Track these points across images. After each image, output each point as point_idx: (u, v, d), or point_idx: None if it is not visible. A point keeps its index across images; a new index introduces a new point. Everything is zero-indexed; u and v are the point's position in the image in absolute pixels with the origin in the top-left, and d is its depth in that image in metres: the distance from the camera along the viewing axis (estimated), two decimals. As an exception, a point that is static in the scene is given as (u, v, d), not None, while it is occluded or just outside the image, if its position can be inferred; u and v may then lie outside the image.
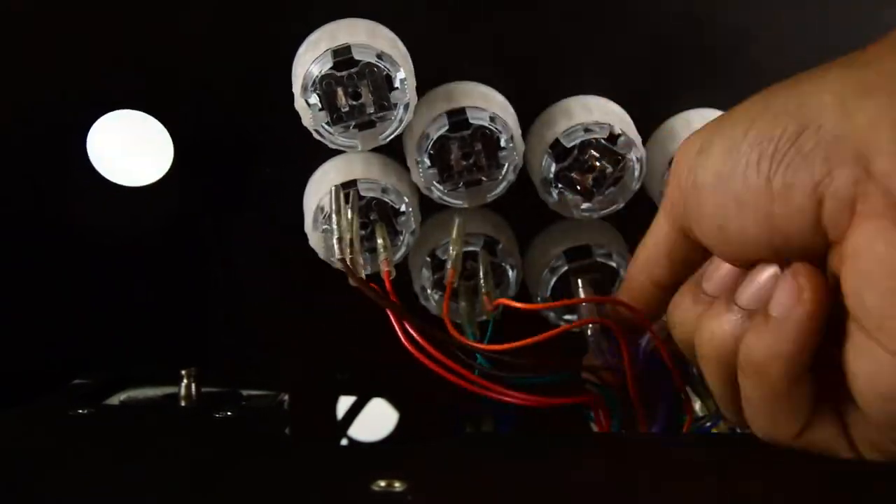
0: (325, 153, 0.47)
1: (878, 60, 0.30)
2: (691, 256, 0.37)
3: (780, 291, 0.32)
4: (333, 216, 0.42)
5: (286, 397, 0.50)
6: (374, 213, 0.46)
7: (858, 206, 0.29)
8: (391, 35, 0.45)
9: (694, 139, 0.35)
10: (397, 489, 0.32)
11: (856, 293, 0.30)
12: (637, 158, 0.46)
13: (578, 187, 0.47)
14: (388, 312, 0.39)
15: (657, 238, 0.38)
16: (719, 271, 0.36)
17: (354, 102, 0.44)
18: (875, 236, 0.29)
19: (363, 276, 0.41)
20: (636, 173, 0.46)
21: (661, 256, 0.38)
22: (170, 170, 0.48)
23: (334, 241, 0.42)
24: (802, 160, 0.30)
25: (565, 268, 0.48)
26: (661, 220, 0.38)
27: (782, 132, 0.31)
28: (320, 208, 0.45)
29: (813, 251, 0.32)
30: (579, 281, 0.47)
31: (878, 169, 0.29)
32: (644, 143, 0.47)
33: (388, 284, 0.41)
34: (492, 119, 0.45)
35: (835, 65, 0.31)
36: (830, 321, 0.32)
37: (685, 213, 0.35)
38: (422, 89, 0.45)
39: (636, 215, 0.47)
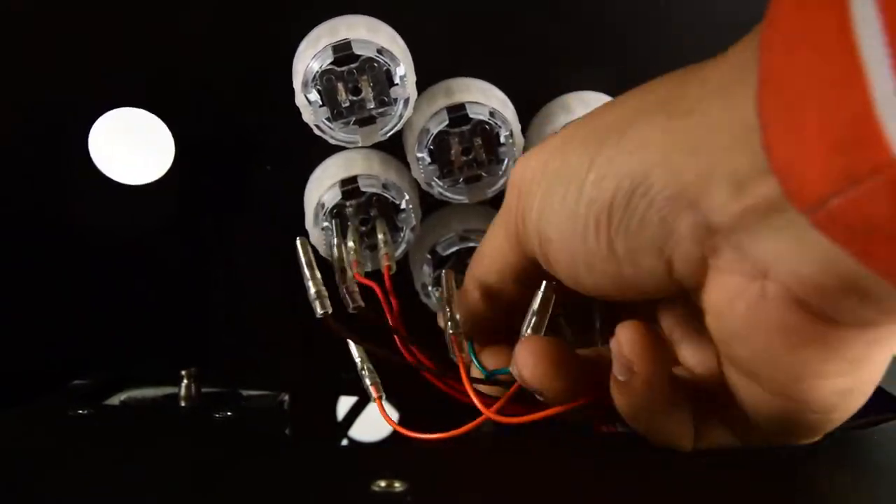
0: (325, 153, 0.47)
1: (700, 108, 0.28)
2: (541, 274, 0.36)
3: (614, 362, 0.32)
4: (306, 271, 0.39)
5: (286, 397, 0.50)
6: (374, 210, 0.46)
7: (710, 260, 0.29)
8: (391, 31, 0.45)
9: (532, 179, 0.34)
10: (397, 489, 0.32)
11: (726, 345, 0.30)
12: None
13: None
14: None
15: (502, 265, 0.37)
16: None
17: (355, 98, 0.44)
18: (734, 295, 0.29)
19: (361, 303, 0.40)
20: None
21: (508, 282, 0.37)
22: (170, 169, 0.48)
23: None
24: (639, 224, 0.29)
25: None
26: (506, 248, 0.36)
27: (612, 196, 0.30)
28: (321, 205, 0.45)
29: (668, 294, 0.32)
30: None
31: (720, 224, 0.28)
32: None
33: (387, 281, 0.41)
34: (491, 114, 0.45)
35: (655, 111, 0.30)
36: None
37: (536, 252, 0.34)
38: (422, 86, 0.45)
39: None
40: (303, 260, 0.38)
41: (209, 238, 0.51)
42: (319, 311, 0.37)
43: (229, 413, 0.43)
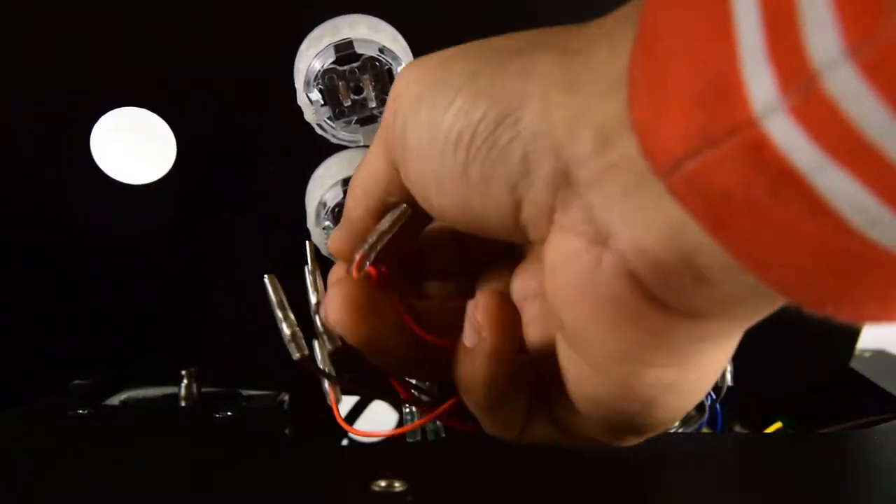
0: (326, 152, 0.47)
1: (588, 49, 0.27)
2: (409, 196, 0.33)
3: (466, 325, 0.31)
4: (278, 312, 0.37)
5: (286, 397, 0.50)
6: None
7: (557, 215, 0.27)
8: (392, 30, 0.45)
9: (413, 83, 0.31)
10: (397, 489, 0.32)
11: (555, 307, 0.29)
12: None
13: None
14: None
15: (373, 171, 0.34)
16: None
17: (356, 97, 0.44)
18: (571, 257, 0.27)
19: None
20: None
21: (379, 191, 0.34)
22: (171, 169, 0.48)
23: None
24: (499, 154, 0.27)
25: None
26: (378, 153, 0.33)
27: (482, 117, 0.28)
28: (322, 204, 0.45)
29: (513, 239, 0.30)
30: None
31: (578, 178, 0.26)
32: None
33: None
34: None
35: (551, 44, 0.28)
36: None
37: (398, 162, 0.32)
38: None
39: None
40: (273, 300, 0.36)
41: (210, 238, 0.51)
42: (296, 354, 0.35)
43: (229, 413, 0.43)
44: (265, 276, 0.37)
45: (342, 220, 0.37)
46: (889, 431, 0.38)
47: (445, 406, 0.35)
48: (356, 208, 0.35)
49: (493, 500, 0.32)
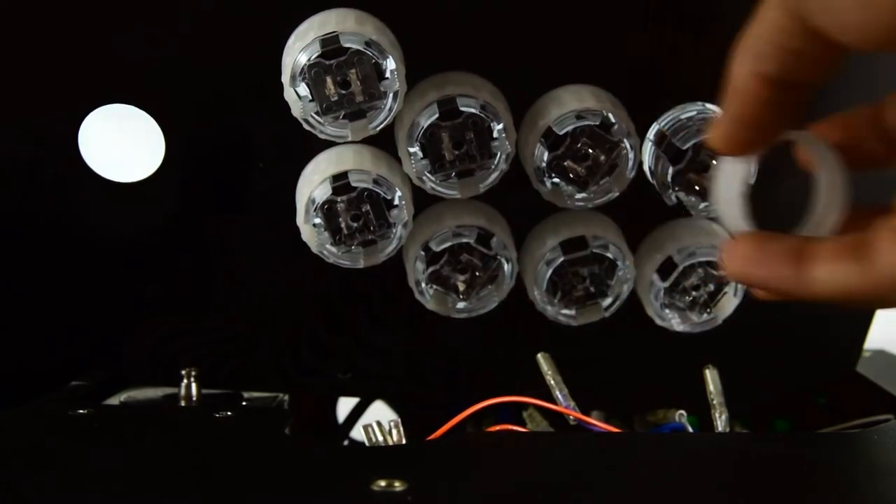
0: (320, 148, 0.47)
1: None
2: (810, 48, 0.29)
3: None
4: None
5: (286, 397, 0.50)
6: (366, 205, 0.46)
7: None
8: (380, 24, 0.45)
9: None
10: (397, 489, 0.32)
11: None
12: (631, 146, 0.45)
13: (572, 176, 0.46)
14: None
15: (764, 26, 0.30)
16: None
17: (343, 91, 0.44)
18: None
19: None
20: (630, 162, 0.46)
21: (769, 46, 0.30)
22: (166, 167, 0.48)
23: None
24: None
25: (561, 259, 0.48)
26: (773, 17, 0.29)
27: None
28: (311, 200, 0.45)
29: None
30: None
31: None
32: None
33: None
34: (483, 107, 0.45)
35: None
36: None
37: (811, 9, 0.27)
38: (412, 80, 0.45)
39: (631, 204, 0.47)
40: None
41: (208, 236, 0.50)
42: None
43: (229, 413, 0.43)
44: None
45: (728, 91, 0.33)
46: (889, 431, 0.38)
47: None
48: (741, 71, 0.31)
49: (493, 500, 0.32)
